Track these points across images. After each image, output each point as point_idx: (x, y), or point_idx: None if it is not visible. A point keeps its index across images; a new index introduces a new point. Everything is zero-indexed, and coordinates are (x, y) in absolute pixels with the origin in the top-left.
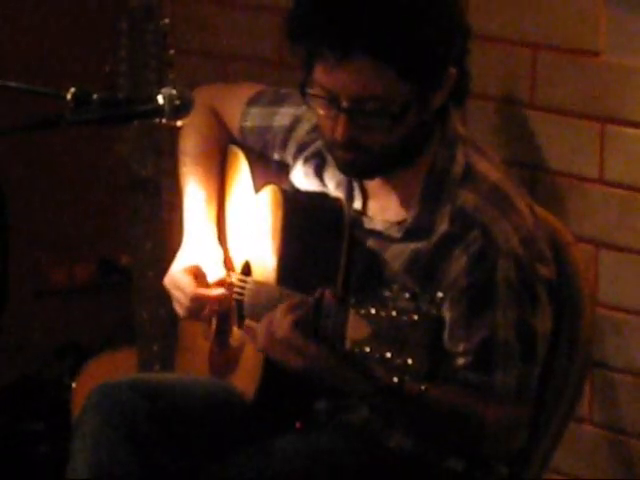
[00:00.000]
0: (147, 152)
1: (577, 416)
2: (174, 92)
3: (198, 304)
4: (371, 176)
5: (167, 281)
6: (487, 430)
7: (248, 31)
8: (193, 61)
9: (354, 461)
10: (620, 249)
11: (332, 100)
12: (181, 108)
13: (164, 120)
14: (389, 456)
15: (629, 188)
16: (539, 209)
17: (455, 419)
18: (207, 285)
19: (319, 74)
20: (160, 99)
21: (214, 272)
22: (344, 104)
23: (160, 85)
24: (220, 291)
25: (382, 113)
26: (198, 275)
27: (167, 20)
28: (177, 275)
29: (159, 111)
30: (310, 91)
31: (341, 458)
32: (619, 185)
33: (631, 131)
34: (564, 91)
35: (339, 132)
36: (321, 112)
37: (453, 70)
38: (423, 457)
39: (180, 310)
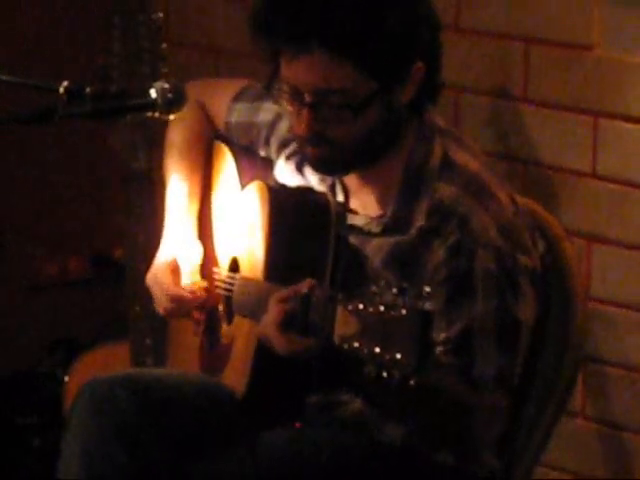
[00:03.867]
0: (140, 145)
1: (569, 410)
2: (167, 86)
3: (177, 304)
4: (343, 172)
5: (149, 279)
6: (473, 414)
7: (242, 25)
8: (186, 55)
9: (345, 456)
10: (612, 243)
11: (296, 95)
12: (174, 102)
13: (157, 114)
14: (380, 451)
15: (622, 182)
16: (533, 203)
17: (444, 404)
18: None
19: (283, 69)
20: (153, 93)
21: (188, 275)
22: (307, 98)
23: (153, 79)
24: (198, 292)
25: (345, 106)
26: (179, 272)
27: (160, 14)
28: (158, 273)
29: (152, 105)
30: (276, 87)
31: (332, 453)
32: (612, 179)
33: (624, 125)
34: (557, 85)
35: (303, 126)
36: (289, 108)
37: (420, 64)
38: (415, 451)
39: (159, 309)
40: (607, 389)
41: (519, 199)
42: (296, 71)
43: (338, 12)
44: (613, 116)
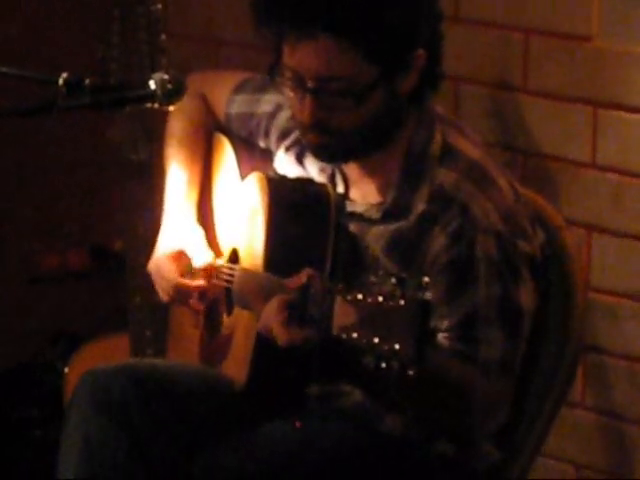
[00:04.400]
0: (139, 137)
1: (570, 400)
2: (166, 77)
3: (181, 294)
4: (344, 160)
5: (151, 267)
6: (475, 399)
7: (241, 16)
8: (186, 46)
9: (345, 446)
10: (612, 233)
11: (298, 81)
12: (173, 93)
13: (156, 105)
14: (381, 441)
15: (621, 172)
16: (533, 193)
17: (447, 386)
18: (191, 270)
19: (286, 56)
20: (152, 84)
21: (199, 255)
22: (309, 84)
23: (152, 70)
24: (201, 282)
25: (347, 93)
26: (182, 260)
27: (159, 5)
28: (160, 262)
29: (151, 96)
30: (278, 73)
31: (332, 443)
32: (611, 169)
33: (623, 115)
34: (557, 76)
35: (306, 113)
36: (290, 94)
37: (421, 52)
38: (415, 442)
39: (163, 297)
40: (607, 379)
41: (519, 188)
42: (299, 57)
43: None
44: (612, 106)
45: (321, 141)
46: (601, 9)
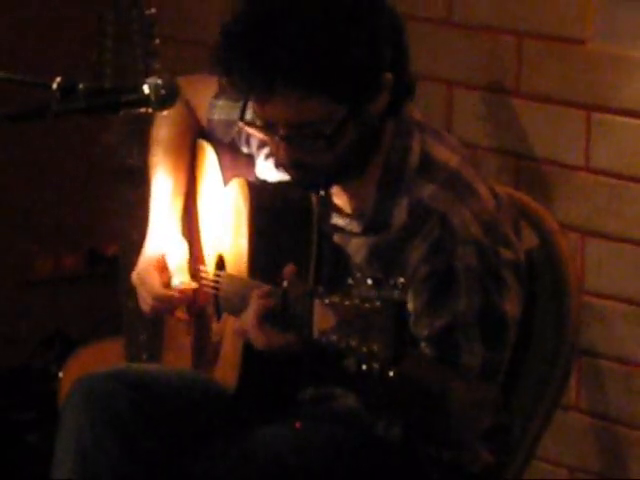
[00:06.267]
0: (133, 141)
1: (564, 404)
2: (160, 82)
3: (163, 304)
4: (326, 188)
5: (135, 278)
6: (455, 404)
7: None
8: (180, 51)
9: (339, 450)
10: (606, 237)
11: (270, 128)
12: (167, 97)
13: (150, 110)
14: (375, 444)
15: (615, 176)
16: (526, 197)
17: (427, 390)
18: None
19: (254, 107)
20: (146, 89)
21: (178, 276)
22: (281, 132)
23: (146, 75)
24: (187, 292)
25: (320, 136)
26: (165, 271)
27: (153, 9)
28: (143, 273)
29: (145, 101)
30: (248, 121)
31: (326, 447)
32: (605, 173)
33: (617, 119)
34: (550, 79)
35: (282, 157)
36: (264, 137)
37: (388, 75)
38: (410, 445)
39: (144, 307)
40: (601, 382)
41: (512, 192)
42: (268, 110)
43: (298, 52)
44: (606, 110)
45: (301, 177)
46: (594, 13)
